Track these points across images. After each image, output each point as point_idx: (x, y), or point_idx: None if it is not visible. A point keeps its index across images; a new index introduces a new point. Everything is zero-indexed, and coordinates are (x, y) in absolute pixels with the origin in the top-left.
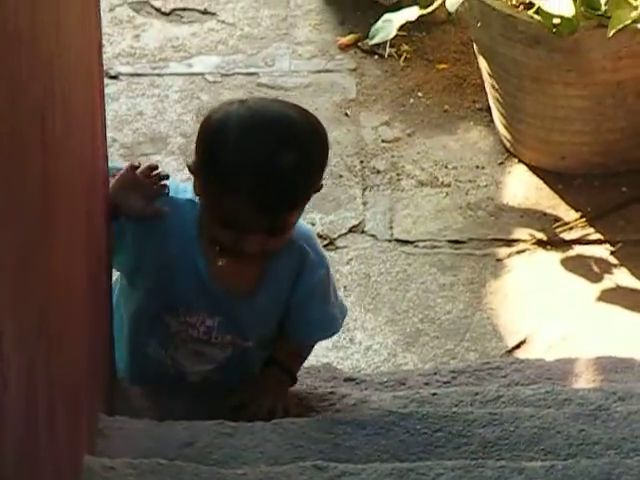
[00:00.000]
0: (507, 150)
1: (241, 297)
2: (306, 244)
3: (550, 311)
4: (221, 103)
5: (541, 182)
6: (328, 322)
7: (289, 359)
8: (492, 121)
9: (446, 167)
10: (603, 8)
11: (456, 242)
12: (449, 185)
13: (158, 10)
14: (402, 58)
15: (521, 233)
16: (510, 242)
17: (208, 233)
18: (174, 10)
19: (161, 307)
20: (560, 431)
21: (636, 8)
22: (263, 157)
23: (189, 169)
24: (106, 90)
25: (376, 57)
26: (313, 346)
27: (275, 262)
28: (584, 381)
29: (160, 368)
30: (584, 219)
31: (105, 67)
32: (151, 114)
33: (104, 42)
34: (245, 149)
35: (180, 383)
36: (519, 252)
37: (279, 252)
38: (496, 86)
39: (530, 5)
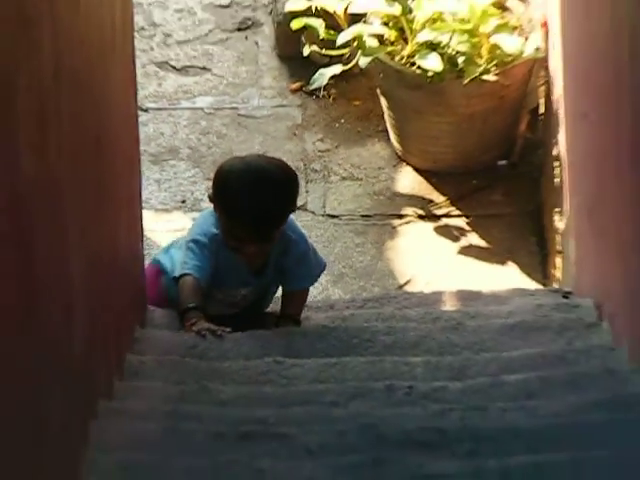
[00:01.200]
0: (399, 157)
1: (257, 274)
2: (290, 231)
3: (427, 260)
4: (229, 158)
5: (421, 177)
6: (310, 276)
7: (293, 310)
8: (389, 139)
9: (359, 168)
10: (460, 65)
11: (366, 216)
12: (361, 179)
13: (173, 67)
14: (331, 97)
15: (408, 210)
16: (401, 216)
17: (224, 239)
18: (184, 67)
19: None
20: (434, 338)
21: (480, 66)
22: (253, 200)
23: (209, 198)
24: (139, 119)
25: (314, 97)
26: (305, 292)
27: (274, 250)
28: (449, 306)
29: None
30: (448, 201)
31: (139, 104)
32: (168, 134)
33: (138, 88)
34: (241, 196)
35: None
36: (407, 223)
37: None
38: (391, 116)
39: (413, 63)
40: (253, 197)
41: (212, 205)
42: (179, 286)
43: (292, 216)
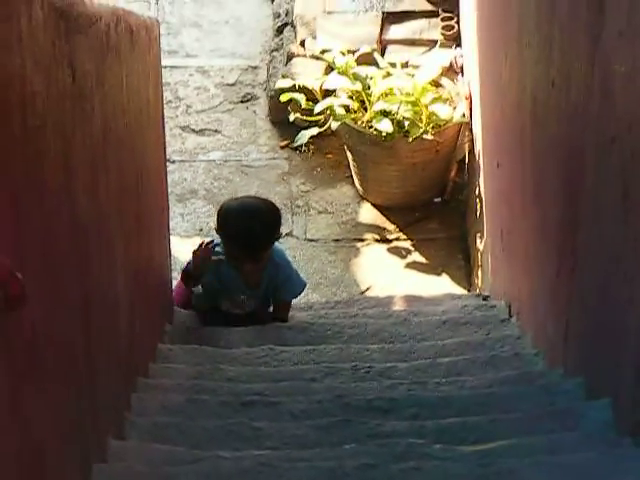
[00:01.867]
0: (360, 196)
1: (254, 288)
2: (278, 259)
3: (381, 273)
4: (228, 198)
5: (377, 211)
6: (292, 293)
7: (281, 315)
8: (353, 182)
9: (331, 204)
10: (406, 128)
11: (336, 240)
12: (332, 213)
13: (193, 130)
14: (310, 152)
15: (367, 236)
16: (362, 240)
17: (227, 259)
18: (201, 130)
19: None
20: (386, 330)
21: (421, 128)
22: (244, 230)
23: (215, 230)
24: (168, 168)
25: (298, 151)
26: (289, 303)
27: (266, 271)
28: (398, 306)
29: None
30: (397, 229)
31: (167, 157)
32: (189, 179)
33: (167, 145)
34: (236, 227)
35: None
36: (367, 245)
37: (266, 265)
38: (355, 165)
39: (371, 126)
40: (244, 227)
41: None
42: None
43: (282, 247)
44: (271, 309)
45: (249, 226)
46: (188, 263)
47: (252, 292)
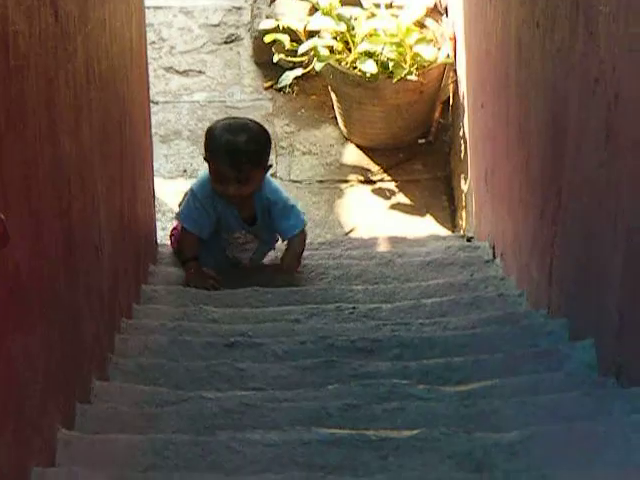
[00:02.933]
0: (345, 137)
1: (251, 222)
2: (270, 194)
3: (365, 214)
4: (215, 122)
5: (361, 152)
6: (292, 228)
7: (290, 251)
8: (337, 124)
9: (315, 145)
10: (390, 69)
11: (320, 181)
12: (317, 154)
13: (177, 71)
14: (294, 93)
15: (351, 177)
16: (346, 181)
17: (213, 188)
18: (185, 71)
19: (219, 231)
20: (370, 271)
21: (405, 69)
22: (232, 143)
23: (204, 158)
24: (152, 109)
25: (281, 92)
26: (295, 240)
27: (258, 205)
28: (382, 247)
29: (227, 260)
30: (382, 170)
31: (151, 98)
32: (173, 121)
33: (150, 86)
34: (220, 139)
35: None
36: (351, 186)
37: (258, 197)
38: (339, 107)
39: (355, 67)
40: (227, 139)
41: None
42: (181, 238)
43: (278, 184)
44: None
45: (233, 139)
46: (177, 241)
47: (250, 227)
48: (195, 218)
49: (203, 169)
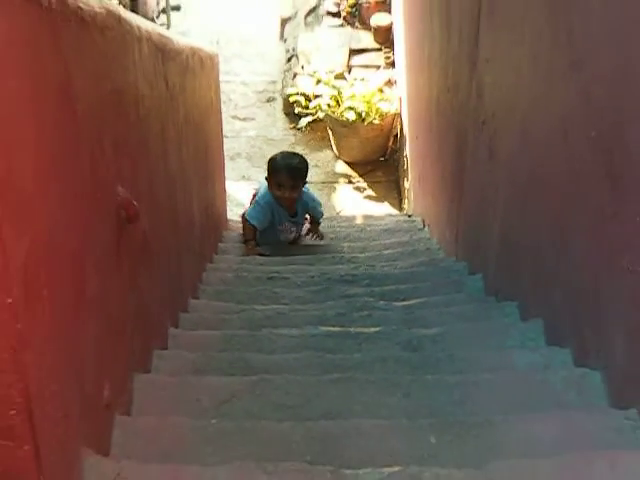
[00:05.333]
0: (337, 157)
1: (294, 216)
2: (306, 198)
3: (348, 201)
4: (274, 154)
5: (347, 166)
6: (317, 217)
7: (316, 229)
8: (332, 149)
9: (319, 161)
10: (363, 116)
11: (323, 182)
12: (320, 167)
13: (239, 118)
14: (307, 131)
15: (340, 180)
16: (337, 182)
17: (273, 195)
18: (244, 118)
19: (274, 224)
20: (352, 235)
21: (372, 117)
22: (289, 163)
23: (266, 178)
24: (225, 140)
25: (300, 131)
26: (318, 224)
27: (298, 205)
28: (358, 220)
29: (277, 238)
30: (358, 175)
31: (224, 134)
32: (236, 147)
33: (223, 126)
34: (282, 161)
35: (281, 242)
36: (340, 185)
37: (299, 200)
38: (333, 139)
39: (343, 115)
40: (287, 161)
41: (267, 182)
42: (245, 227)
43: (312, 192)
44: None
45: (290, 161)
46: (245, 221)
47: (292, 219)
48: (257, 217)
49: (256, 179)
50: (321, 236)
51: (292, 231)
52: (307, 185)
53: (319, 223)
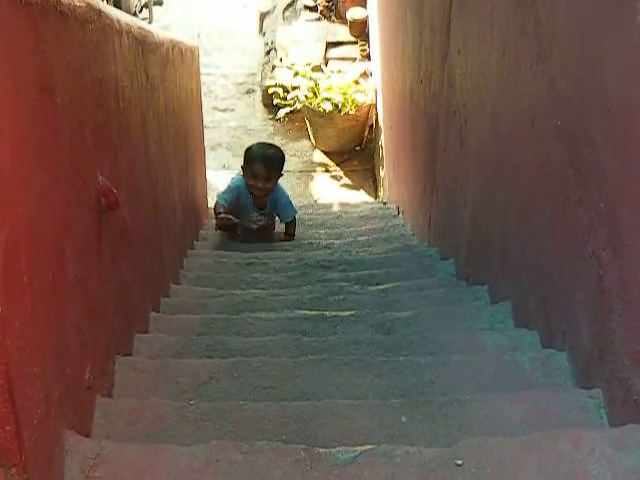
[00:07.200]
0: (314, 146)
1: (263, 208)
2: (278, 193)
3: (326, 189)
4: (251, 144)
5: (324, 155)
6: (289, 216)
7: (289, 230)
8: (310, 139)
9: (297, 151)
10: (339, 107)
11: (301, 171)
12: (298, 156)
13: (219, 109)
14: (285, 121)
15: (318, 169)
16: (315, 171)
17: (247, 184)
18: (224, 109)
19: (241, 211)
20: (329, 222)
21: (348, 107)
22: (265, 153)
23: (242, 168)
24: (205, 130)
25: (278, 121)
26: (292, 224)
27: (269, 197)
28: (335, 208)
29: (245, 227)
30: (335, 164)
31: (204, 124)
32: (217, 137)
33: (204, 117)
34: (257, 151)
35: (250, 230)
36: (318, 174)
37: (270, 192)
38: (311, 129)
39: (320, 106)
40: (263, 151)
41: (242, 171)
42: (215, 205)
43: (284, 187)
44: (280, 228)
45: (265, 151)
46: (218, 212)
47: (260, 211)
48: (224, 197)
49: (235, 168)
50: (291, 237)
51: (256, 221)
52: (282, 181)
53: (294, 235)
